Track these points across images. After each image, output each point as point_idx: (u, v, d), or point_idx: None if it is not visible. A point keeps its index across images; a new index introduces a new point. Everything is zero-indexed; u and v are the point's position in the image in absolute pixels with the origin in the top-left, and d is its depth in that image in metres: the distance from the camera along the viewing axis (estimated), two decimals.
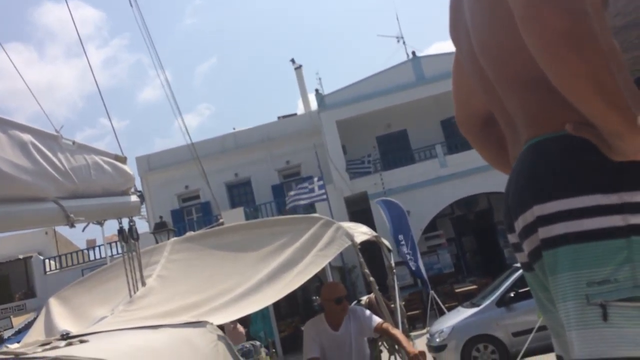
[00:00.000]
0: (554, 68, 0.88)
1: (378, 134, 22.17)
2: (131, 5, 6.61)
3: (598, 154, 0.93)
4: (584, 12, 0.84)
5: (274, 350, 13.57)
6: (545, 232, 0.95)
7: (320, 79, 36.72)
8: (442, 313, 12.74)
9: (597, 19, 0.88)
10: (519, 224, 1.03)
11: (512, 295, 8.67)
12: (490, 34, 1.09)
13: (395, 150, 21.46)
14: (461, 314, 9.30)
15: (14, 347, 1.80)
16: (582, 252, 0.90)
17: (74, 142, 2.73)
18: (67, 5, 3.35)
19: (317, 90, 21.76)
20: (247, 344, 7.29)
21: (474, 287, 15.47)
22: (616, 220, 0.89)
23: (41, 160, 2.48)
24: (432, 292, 14.22)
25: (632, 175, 0.91)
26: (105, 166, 2.94)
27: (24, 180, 2.39)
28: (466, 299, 11.89)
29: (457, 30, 1.27)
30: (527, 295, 8.08)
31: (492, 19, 1.07)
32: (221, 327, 2.37)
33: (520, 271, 8.72)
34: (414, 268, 14.69)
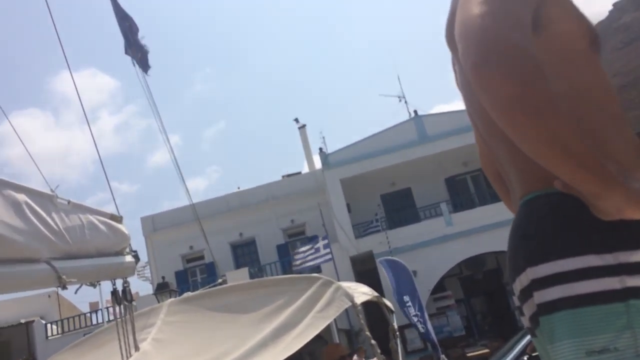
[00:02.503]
0: (514, 134, 0.85)
1: (382, 192, 22.17)
2: (134, 65, 6.80)
3: (590, 212, 0.88)
4: (536, 76, 0.81)
5: None
6: (540, 296, 0.90)
7: (324, 137, 37.16)
8: None
9: (558, 81, 0.87)
10: (517, 287, 0.98)
11: (525, 359, 8.35)
12: (468, 84, 1.07)
13: (400, 208, 21.39)
14: None
15: None
16: (579, 317, 0.84)
17: (69, 202, 2.71)
18: (73, 79, 3.43)
19: (320, 149, 21.92)
20: None
21: (486, 350, 14.98)
22: (613, 283, 0.83)
23: (35, 220, 2.45)
24: (442, 357, 13.74)
25: (627, 234, 0.86)
26: (101, 226, 2.90)
27: (16, 241, 2.35)
28: None
29: (459, 86, 1.27)
30: None
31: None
32: None
33: None
34: (422, 330, 14.25)
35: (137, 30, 7.85)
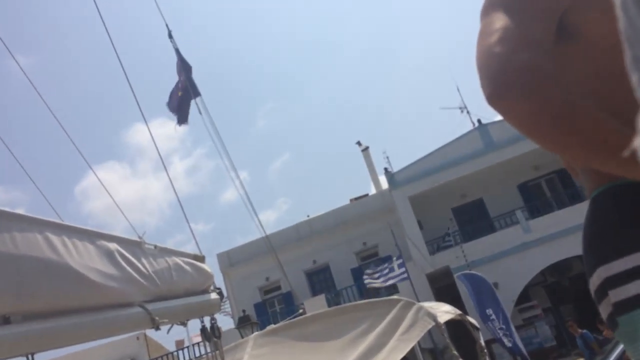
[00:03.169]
0: (552, 149, 0.84)
1: (453, 206, 21.73)
2: (200, 113, 7.12)
3: None
4: (549, 88, 0.81)
5: None
6: (616, 294, 0.86)
7: (387, 157, 36.87)
8: None
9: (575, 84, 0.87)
10: (591, 288, 0.96)
11: None
12: None
13: (474, 220, 20.83)
14: None
15: None
16: None
17: (155, 246, 2.87)
18: (149, 130, 3.68)
19: (386, 169, 21.86)
20: None
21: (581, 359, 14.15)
22: None
23: (126, 267, 2.61)
24: None
25: None
26: (186, 266, 3.04)
27: (111, 288, 2.51)
28: None
29: None
30: None
31: None
32: None
33: None
34: (510, 345, 13.71)
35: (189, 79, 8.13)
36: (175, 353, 22.49)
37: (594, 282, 0.93)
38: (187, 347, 21.32)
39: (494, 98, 0.85)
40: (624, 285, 0.85)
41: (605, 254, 0.89)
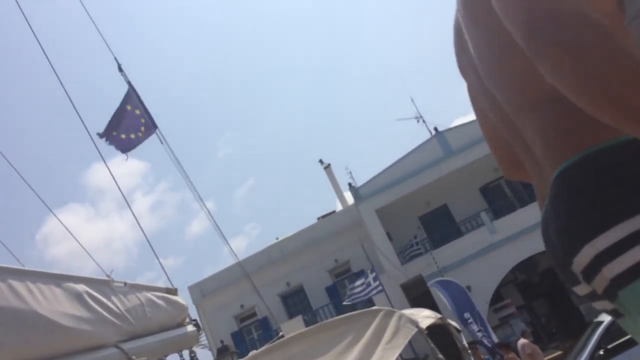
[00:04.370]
0: (579, 94, 0.79)
1: (420, 214, 21.98)
2: (161, 142, 7.02)
3: (633, 167, 0.82)
4: (590, 39, 0.78)
5: None
6: (611, 269, 0.82)
7: (350, 172, 37.11)
8: None
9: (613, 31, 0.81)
10: (576, 270, 0.89)
11: (601, 353, 8.01)
12: (492, 56, 1.03)
13: (441, 226, 21.11)
14: None
15: None
16: None
17: (125, 283, 2.78)
18: (108, 169, 3.60)
19: (350, 184, 22.02)
20: None
21: (559, 352, 14.40)
22: None
23: (97, 307, 2.52)
24: None
25: None
26: (159, 301, 2.96)
27: (84, 331, 2.42)
28: None
29: (461, 62, 1.21)
30: (619, 350, 7.46)
31: (492, 40, 1.02)
32: None
33: (604, 324, 8.05)
34: (490, 345, 13.87)
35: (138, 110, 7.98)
36: None
37: (580, 263, 0.86)
38: None
39: (530, 38, 0.83)
40: (618, 257, 0.81)
41: (589, 229, 0.84)
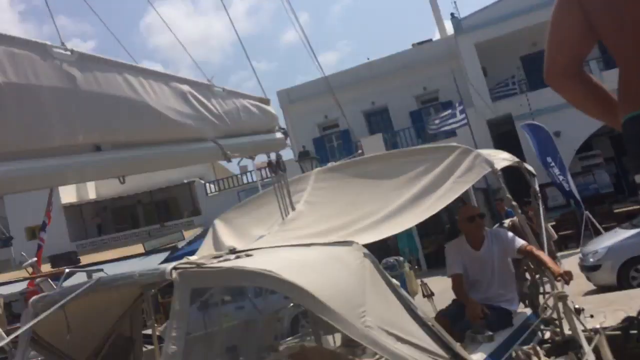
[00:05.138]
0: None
1: (522, 54, 20.57)
2: None
3: None
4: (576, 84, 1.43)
5: (417, 266, 13.91)
6: None
7: (455, 2, 34.39)
8: (598, 234, 12.00)
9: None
10: None
11: None
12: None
13: (542, 69, 19.74)
14: (619, 235, 8.84)
15: (193, 258, 2.13)
16: None
17: (224, 89, 3.00)
18: None
19: (452, 15, 20.74)
20: (392, 259, 7.59)
21: (637, 207, 14.11)
22: None
23: (199, 107, 2.78)
24: (586, 213, 13.37)
25: None
26: (252, 108, 3.20)
27: (187, 124, 2.72)
28: (626, 220, 11.00)
29: None
30: None
31: None
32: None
33: None
34: (567, 188, 13.92)
35: None
36: (239, 175, 24.27)
37: None
38: (251, 171, 22.96)
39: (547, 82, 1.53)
40: None
41: None
